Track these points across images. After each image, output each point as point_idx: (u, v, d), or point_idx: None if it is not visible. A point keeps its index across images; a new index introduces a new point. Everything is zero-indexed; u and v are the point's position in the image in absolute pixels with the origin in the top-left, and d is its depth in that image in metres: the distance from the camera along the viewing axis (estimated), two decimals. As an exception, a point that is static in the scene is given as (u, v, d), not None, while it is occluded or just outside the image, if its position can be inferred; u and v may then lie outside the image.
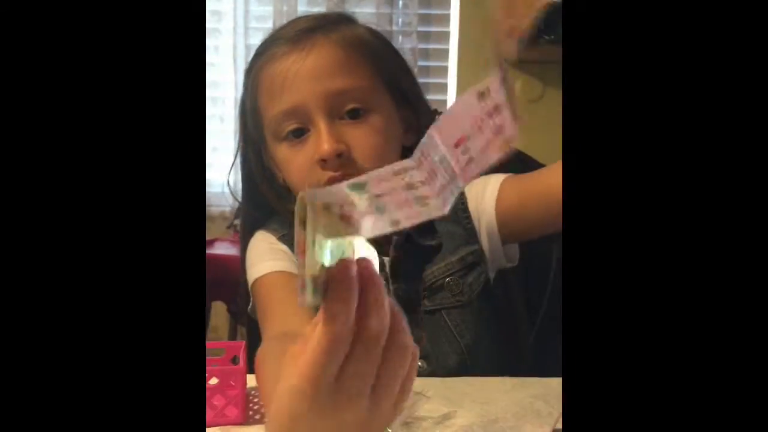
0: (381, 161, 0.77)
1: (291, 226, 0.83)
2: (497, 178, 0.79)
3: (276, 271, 0.79)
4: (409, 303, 0.77)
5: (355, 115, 0.74)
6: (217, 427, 0.54)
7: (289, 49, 0.75)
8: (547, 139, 0.89)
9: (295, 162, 0.75)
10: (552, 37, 1.84)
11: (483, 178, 0.80)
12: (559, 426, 0.55)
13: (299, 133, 0.75)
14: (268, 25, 2.06)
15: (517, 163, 0.88)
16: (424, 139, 0.34)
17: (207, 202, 2.03)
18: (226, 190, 0.93)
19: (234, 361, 0.65)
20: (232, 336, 1.93)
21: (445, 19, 2.16)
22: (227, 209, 2.05)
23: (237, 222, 1.08)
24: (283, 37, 0.77)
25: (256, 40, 2.09)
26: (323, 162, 0.72)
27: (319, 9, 2.08)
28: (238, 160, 0.86)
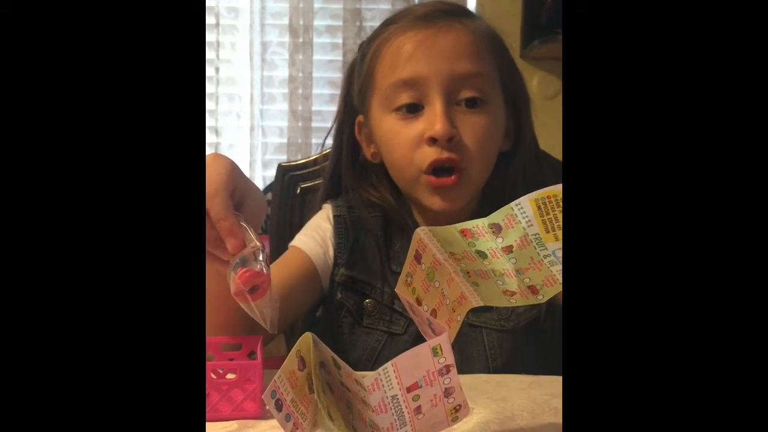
0: (486, 156, 0.77)
1: (355, 206, 0.81)
2: None
3: (297, 247, 0.80)
4: None
5: (472, 104, 0.74)
6: (235, 421, 0.54)
7: (422, 25, 0.75)
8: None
9: (402, 135, 0.75)
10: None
11: None
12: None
13: (413, 109, 0.74)
14: (284, 22, 2.06)
15: (534, 159, 0.87)
16: (379, 370, 0.38)
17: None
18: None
19: (251, 356, 0.65)
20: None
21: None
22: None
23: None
24: (416, 14, 0.77)
25: (273, 36, 2.09)
26: (433, 140, 0.72)
27: (335, 5, 2.08)
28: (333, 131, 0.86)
